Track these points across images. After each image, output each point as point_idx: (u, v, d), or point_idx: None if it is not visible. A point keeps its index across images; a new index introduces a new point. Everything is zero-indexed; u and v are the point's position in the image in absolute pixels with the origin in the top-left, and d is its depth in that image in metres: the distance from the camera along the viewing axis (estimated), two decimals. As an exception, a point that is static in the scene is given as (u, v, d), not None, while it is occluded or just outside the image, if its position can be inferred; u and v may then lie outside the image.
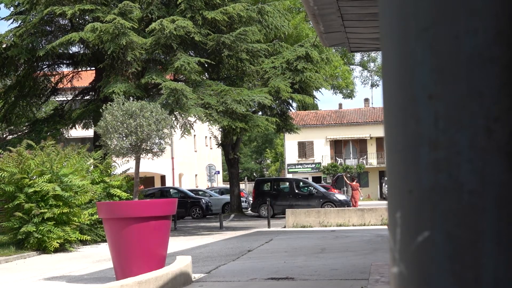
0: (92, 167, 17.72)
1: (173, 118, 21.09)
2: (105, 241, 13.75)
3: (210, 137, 48.19)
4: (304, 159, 57.22)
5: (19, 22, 22.12)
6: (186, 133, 22.25)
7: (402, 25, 1.08)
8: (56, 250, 14.88)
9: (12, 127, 24.74)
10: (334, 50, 33.33)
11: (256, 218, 28.31)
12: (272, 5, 22.90)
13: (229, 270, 10.26)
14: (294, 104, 26.77)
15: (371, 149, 56.41)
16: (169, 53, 20.78)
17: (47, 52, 20.38)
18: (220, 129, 25.99)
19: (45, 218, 14.53)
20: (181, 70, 19.90)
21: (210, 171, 44.38)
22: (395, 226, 1.10)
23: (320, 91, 27.84)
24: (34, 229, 14.44)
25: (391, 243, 1.12)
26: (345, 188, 48.05)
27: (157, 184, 46.58)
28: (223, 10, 20.88)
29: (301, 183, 30.13)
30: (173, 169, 46.98)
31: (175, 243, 15.46)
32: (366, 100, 63.15)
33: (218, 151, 57.68)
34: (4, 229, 15.39)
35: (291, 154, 57.53)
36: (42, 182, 14.70)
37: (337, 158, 56.55)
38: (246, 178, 67.67)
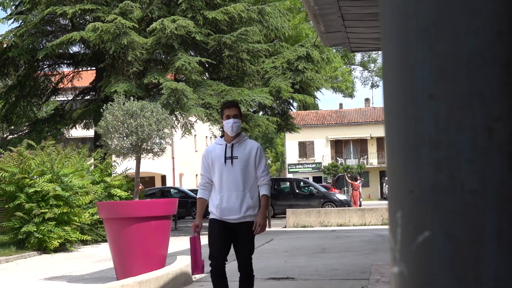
0: (92, 167, 17.73)
1: (174, 118, 21.09)
2: (105, 241, 13.75)
3: (211, 137, 48.15)
4: (304, 159, 57.22)
5: (20, 22, 22.13)
6: (186, 133, 22.25)
7: (403, 25, 1.08)
8: (57, 250, 14.88)
9: (13, 127, 24.75)
10: (334, 50, 33.33)
11: (257, 218, 28.29)
12: (272, 5, 22.90)
13: (229, 270, 10.23)
14: (295, 104, 26.76)
15: (372, 149, 56.41)
16: (170, 53, 20.79)
17: (47, 53, 20.38)
18: (221, 129, 25.99)
19: (45, 218, 14.53)
20: (182, 69, 19.91)
21: (210, 171, 44.29)
22: (395, 226, 1.10)
23: (320, 91, 27.84)
24: (35, 229, 14.44)
25: (391, 243, 1.12)
26: (345, 188, 48.06)
27: (158, 184, 46.58)
28: (223, 10, 20.88)
29: (302, 183, 30.12)
30: (173, 169, 46.98)
31: (176, 243, 15.46)
32: (367, 100, 63.15)
33: (219, 151, 57.61)
34: (5, 229, 15.39)
35: (291, 154, 57.54)
36: (43, 182, 14.70)
37: (338, 158, 56.55)
38: (246, 178, 67.62)
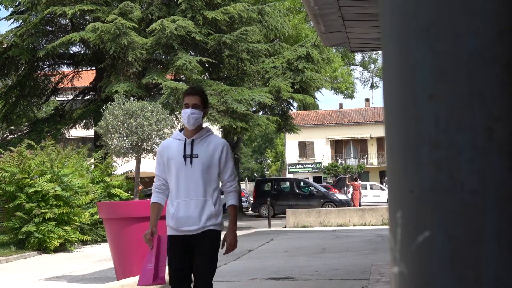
0: (92, 167, 17.74)
1: (174, 118, 21.09)
2: (105, 241, 13.75)
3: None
4: (304, 159, 57.21)
5: (20, 22, 22.15)
6: (186, 133, 22.24)
7: (403, 25, 1.08)
8: (57, 250, 14.88)
9: (13, 127, 24.77)
10: (334, 50, 33.33)
11: (257, 218, 28.31)
12: (272, 5, 22.91)
13: (229, 270, 10.26)
14: (295, 104, 26.78)
15: (372, 149, 56.42)
16: (170, 53, 20.80)
17: (47, 52, 20.40)
18: (221, 129, 26.01)
19: (45, 218, 14.53)
20: (183, 69, 19.92)
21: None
22: (395, 226, 1.10)
23: (320, 91, 27.87)
24: (35, 229, 14.44)
25: (391, 243, 1.12)
26: (345, 189, 48.06)
27: (158, 184, 46.57)
28: (223, 10, 20.89)
29: (302, 183, 30.14)
30: (173, 169, 46.98)
31: (176, 243, 15.44)
32: (367, 100, 63.17)
33: (219, 151, 57.59)
34: (5, 229, 15.39)
35: (291, 154, 57.54)
36: (43, 182, 14.70)
37: (338, 158, 56.56)
38: (246, 178, 67.66)
